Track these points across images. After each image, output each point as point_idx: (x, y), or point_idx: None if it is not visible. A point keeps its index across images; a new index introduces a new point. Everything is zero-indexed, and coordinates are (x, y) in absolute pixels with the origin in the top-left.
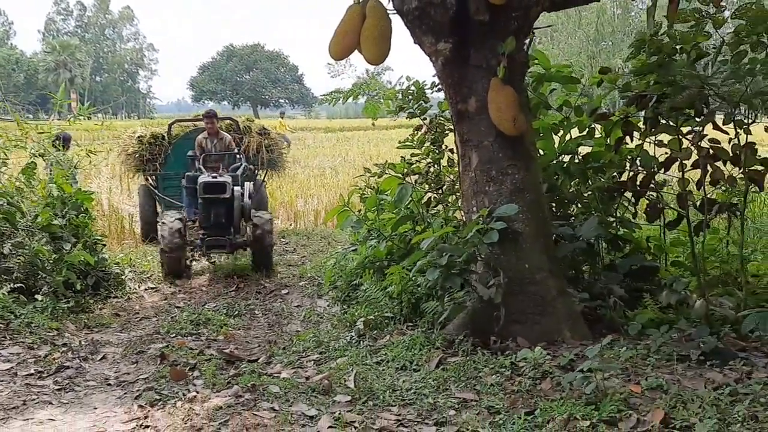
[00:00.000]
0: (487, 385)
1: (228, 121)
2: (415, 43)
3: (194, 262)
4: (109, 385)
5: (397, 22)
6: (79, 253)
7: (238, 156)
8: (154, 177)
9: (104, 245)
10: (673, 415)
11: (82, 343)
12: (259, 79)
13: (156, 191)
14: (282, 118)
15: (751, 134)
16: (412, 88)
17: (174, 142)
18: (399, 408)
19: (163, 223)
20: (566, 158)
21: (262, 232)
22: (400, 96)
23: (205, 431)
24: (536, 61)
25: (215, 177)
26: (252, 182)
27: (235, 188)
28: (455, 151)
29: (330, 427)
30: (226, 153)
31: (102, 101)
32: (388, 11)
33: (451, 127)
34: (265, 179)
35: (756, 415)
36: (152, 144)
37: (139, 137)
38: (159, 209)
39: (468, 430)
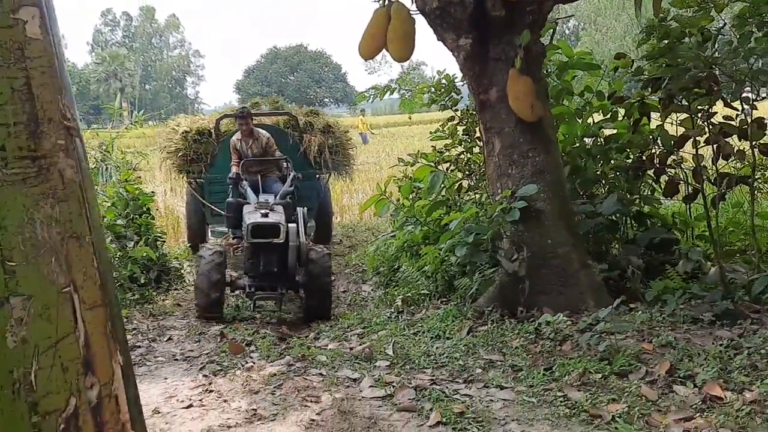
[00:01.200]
0: (512, 347)
1: (285, 117)
2: (438, 40)
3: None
4: (176, 360)
5: (421, 22)
6: (142, 249)
7: (285, 164)
8: (199, 180)
9: (164, 242)
10: (679, 366)
11: (150, 327)
12: (303, 80)
13: (201, 198)
14: (363, 116)
15: (756, 110)
16: (444, 81)
17: (223, 140)
18: (432, 370)
19: (200, 256)
20: (589, 141)
21: (318, 272)
22: (433, 89)
23: (261, 393)
24: (559, 50)
25: (266, 214)
26: (301, 208)
27: (290, 226)
28: (480, 138)
29: (371, 386)
30: (270, 159)
31: (152, 109)
32: (411, 12)
33: None
34: (328, 185)
35: (755, 364)
36: (197, 141)
37: (183, 133)
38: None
39: (493, 384)
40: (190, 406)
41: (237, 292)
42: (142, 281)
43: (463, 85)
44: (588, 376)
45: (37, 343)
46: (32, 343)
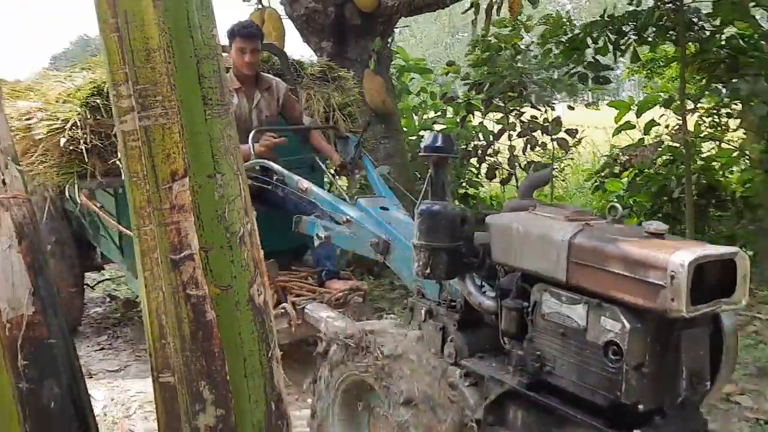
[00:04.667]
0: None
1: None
2: (303, 41)
3: None
4: None
5: (289, 26)
6: None
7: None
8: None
9: None
10: None
11: None
12: None
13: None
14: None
15: (555, 110)
16: None
17: None
18: None
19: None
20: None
21: None
22: None
23: None
24: (398, 55)
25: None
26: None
27: None
28: None
29: None
30: (302, 128)
31: None
32: (281, 17)
33: None
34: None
35: None
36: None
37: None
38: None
39: None
40: None
41: None
42: None
43: None
44: None
45: (227, 196)
46: (225, 197)
